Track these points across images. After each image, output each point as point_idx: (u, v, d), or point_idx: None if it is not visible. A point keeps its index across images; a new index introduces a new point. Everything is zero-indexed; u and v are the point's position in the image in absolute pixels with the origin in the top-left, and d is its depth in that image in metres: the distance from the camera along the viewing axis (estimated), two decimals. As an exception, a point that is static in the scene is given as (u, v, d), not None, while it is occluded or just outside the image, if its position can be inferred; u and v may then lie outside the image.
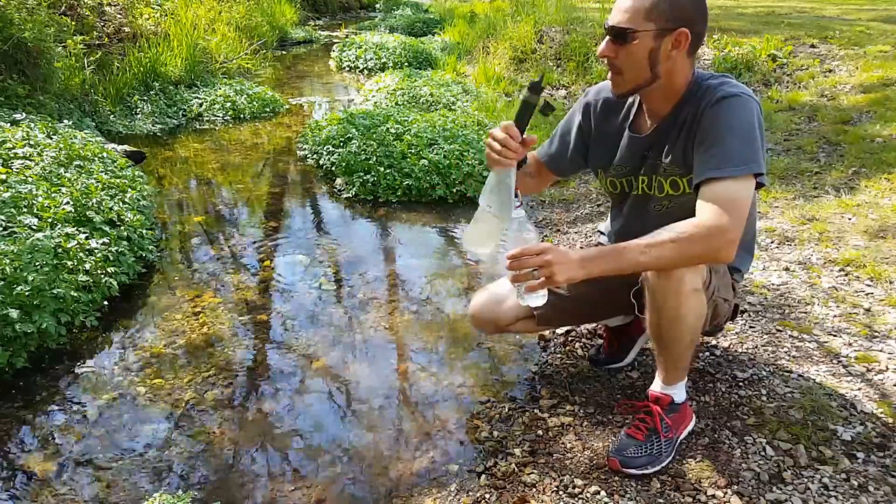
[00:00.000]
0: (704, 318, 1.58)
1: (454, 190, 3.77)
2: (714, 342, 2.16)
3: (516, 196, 1.54)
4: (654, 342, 1.65)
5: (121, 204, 3.03)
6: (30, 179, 2.86)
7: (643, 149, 1.67)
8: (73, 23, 5.18)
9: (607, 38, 1.53)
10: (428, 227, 3.47)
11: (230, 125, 5.46)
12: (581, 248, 1.63)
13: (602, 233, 2.01)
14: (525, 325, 1.92)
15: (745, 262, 1.80)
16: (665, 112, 1.60)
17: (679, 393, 1.70)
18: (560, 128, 1.88)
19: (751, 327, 2.25)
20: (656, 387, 1.71)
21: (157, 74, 5.71)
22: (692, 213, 1.43)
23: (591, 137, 1.80)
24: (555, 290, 1.83)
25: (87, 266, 2.47)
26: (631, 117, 1.70)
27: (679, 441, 1.71)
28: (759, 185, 1.45)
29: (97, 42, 5.68)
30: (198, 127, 5.39)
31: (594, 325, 2.38)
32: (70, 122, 4.18)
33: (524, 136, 1.54)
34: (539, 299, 1.46)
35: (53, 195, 2.77)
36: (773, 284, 2.51)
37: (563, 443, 1.78)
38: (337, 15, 14.74)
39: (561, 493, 1.61)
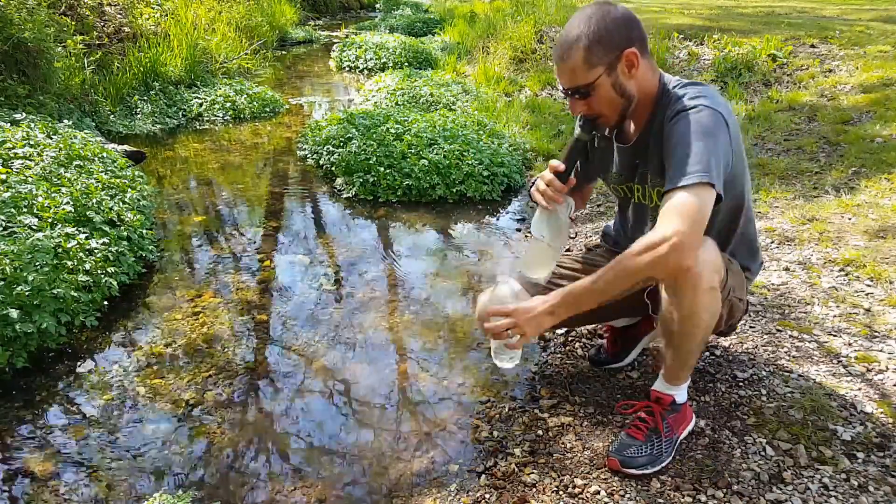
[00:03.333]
0: (718, 318, 1.59)
1: (454, 190, 3.77)
2: (714, 342, 2.16)
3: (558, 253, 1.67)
4: (664, 340, 1.65)
5: (121, 204, 3.03)
6: (30, 179, 2.86)
7: (632, 158, 1.71)
8: (73, 23, 5.18)
9: (571, 98, 1.57)
10: (428, 227, 3.47)
11: (230, 125, 5.46)
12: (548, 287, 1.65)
13: (607, 234, 2.02)
14: None
15: (753, 260, 1.80)
16: (643, 120, 1.64)
17: (681, 393, 1.71)
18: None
19: (751, 327, 2.25)
20: (659, 386, 1.71)
21: (157, 74, 5.71)
22: None
23: (590, 146, 1.84)
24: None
25: (87, 266, 2.47)
26: (625, 126, 1.73)
27: (679, 441, 1.71)
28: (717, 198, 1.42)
29: (97, 42, 5.68)
30: (198, 127, 5.39)
31: (595, 325, 2.38)
32: (70, 122, 4.18)
33: (570, 174, 1.62)
34: (509, 363, 1.62)
35: (53, 195, 2.77)
36: (773, 284, 2.51)
37: (563, 443, 1.78)
38: (337, 15, 14.73)
39: (561, 493, 1.61)
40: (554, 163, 1.63)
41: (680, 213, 1.38)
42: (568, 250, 1.95)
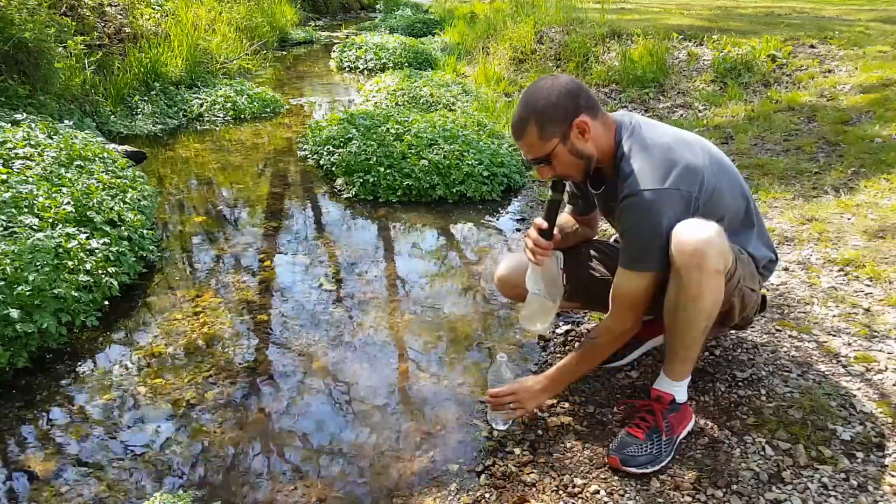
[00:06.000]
0: (720, 306, 1.61)
1: (454, 190, 3.77)
2: (714, 342, 2.16)
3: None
4: (668, 329, 1.67)
5: (121, 204, 3.03)
6: (31, 179, 2.86)
7: (605, 200, 1.82)
8: (74, 23, 5.18)
9: (536, 166, 1.73)
10: (428, 227, 3.48)
11: (231, 125, 5.46)
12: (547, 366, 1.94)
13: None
14: None
15: (755, 247, 1.80)
16: (609, 170, 1.74)
17: (681, 392, 1.71)
18: None
19: (750, 327, 2.25)
20: (659, 384, 1.72)
21: (158, 75, 5.71)
22: None
23: (576, 185, 1.95)
24: (591, 273, 2.02)
25: (88, 266, 2.48)
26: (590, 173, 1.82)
27: (678, 441, 1.71)
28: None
29: (98, 42, 5.69)
30: (198, 127, 5.39)
31: (595, 324, 2.38)
32: (71, 123, 4.19)
33: (554, 232, 1.79)
34: (503, 425, 1.85)
35: (54, 195, 2.77)
36: (772, 285, 2.52)
37: (562, 442, 1.79)
38: (337, 15, 14.75)
39: (560, 492, 1.61)
40: (537, 221, 1.79)
41: (621, 304, 1.70)
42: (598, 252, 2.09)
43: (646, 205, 1.59)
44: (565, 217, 2.02)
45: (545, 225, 1.76)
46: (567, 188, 1.91)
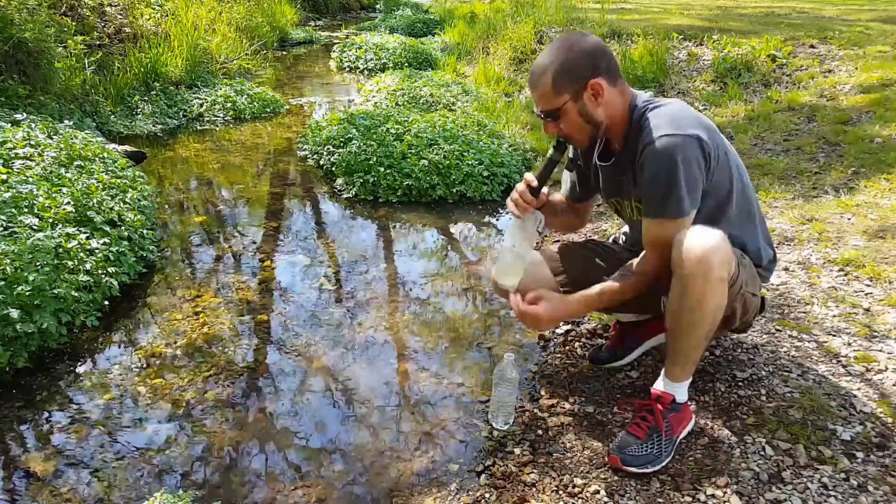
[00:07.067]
0: (723, 311, 1.61)
1: (454, 190, 3.77)
2: (714, 342, 2.16)
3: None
4: (669, 332, 1.67)
5: (121, 204, 3.03)
6: (31, 179, 2.86)
7: (614, 174, 1.79)
8: (74, 23, 5.19)
9: (544, 120, 1.72)
10: (428, 227, 3.48)
11: (231, 125, 5.46)
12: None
13: (626, 233, 2.10)
14: None
15: (758, 243, 1.81)
16: (620, 140, 1.73)
17: (681, 393, 1.71)
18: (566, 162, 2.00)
19: (750, 328, 2.25)
20: (660, 385, 1.72)
21: (158, 75, 5.71)
22: None
23: (580, 167, 1.93)
24: (594, 272, 1.96)
25: (88, 266, 2.48)
26: (598, 147, 1.82)
27: (678, 441, 1.71)
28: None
29: (98, 42, 5.69)
30: (198, 127, 5.39)
31: (595, 324, 2.38)
32: (71, 123, 4.18)
33: (543, 190, 1.78)
34: (503, 424, 1.86)
35: (54, 195, 2.77)
36: (772, 285, 2.51)
37: (562, 442, 1.79)
38: (337, 15, 14.74)
39: (560, 492, 1.61)
40: (528, 176, 1.77)
41: (654, 248, 1.65)
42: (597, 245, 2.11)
43: (664, 147, 1.56)
44: (558, 197, 2.02)
45: (535, 182, 1.76)
46: (568, 152, 1.89)
